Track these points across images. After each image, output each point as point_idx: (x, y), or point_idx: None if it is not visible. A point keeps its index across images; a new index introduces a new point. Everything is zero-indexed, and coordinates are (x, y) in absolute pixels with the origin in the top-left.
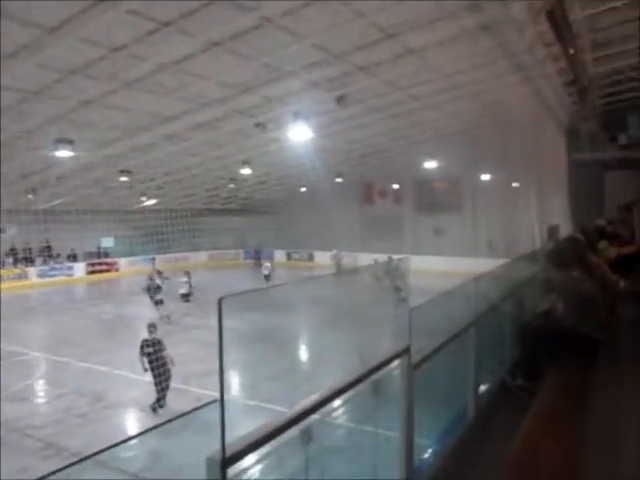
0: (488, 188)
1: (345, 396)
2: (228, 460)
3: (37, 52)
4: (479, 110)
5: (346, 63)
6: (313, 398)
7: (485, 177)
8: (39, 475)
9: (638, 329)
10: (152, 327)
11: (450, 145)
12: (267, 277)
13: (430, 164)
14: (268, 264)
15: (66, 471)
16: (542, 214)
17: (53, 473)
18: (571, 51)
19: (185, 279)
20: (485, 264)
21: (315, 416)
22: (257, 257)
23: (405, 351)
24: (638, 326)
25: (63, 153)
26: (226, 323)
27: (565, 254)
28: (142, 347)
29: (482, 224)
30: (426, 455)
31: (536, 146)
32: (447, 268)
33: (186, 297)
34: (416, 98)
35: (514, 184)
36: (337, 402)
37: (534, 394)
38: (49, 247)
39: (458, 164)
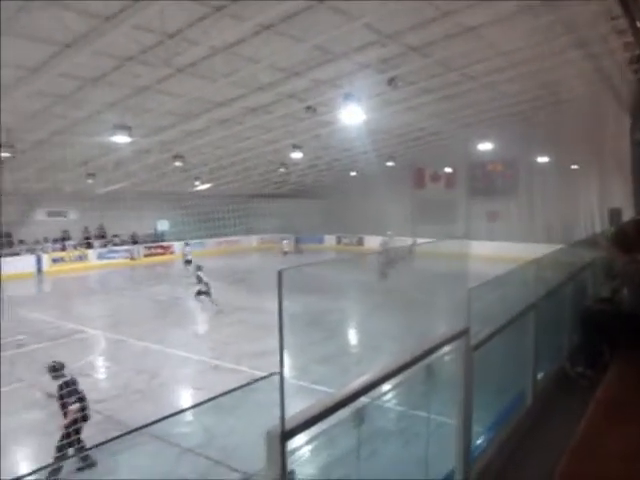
0: (545, 170)
1: (397, 380)
2: (287, 434)
3: (94, 40)
4: (537, 89)
5: (399, 43)
6: (369, 376)
7: (542, 159)
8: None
9: None
10: (54, 369)
11: (505, 126)
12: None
13: (484, 146)
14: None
15: (119, 441)
16: (603, 197)
17: (107, 442)
18: (639, 24)
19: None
20: (542, 249)
21: (366, 399)
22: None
23: (464, 332)
24: None
25: (120, 139)
26: (275, 306)
27: (630, 237)
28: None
29: (538, 208)
30: (479, 441)
31: (597, 126)
32: (501, 253)
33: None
34: (471, 78)
35: (573, 166)
36: (389, 386)
37: (595, 382)
38: (106, 231)
39: (513, 146)
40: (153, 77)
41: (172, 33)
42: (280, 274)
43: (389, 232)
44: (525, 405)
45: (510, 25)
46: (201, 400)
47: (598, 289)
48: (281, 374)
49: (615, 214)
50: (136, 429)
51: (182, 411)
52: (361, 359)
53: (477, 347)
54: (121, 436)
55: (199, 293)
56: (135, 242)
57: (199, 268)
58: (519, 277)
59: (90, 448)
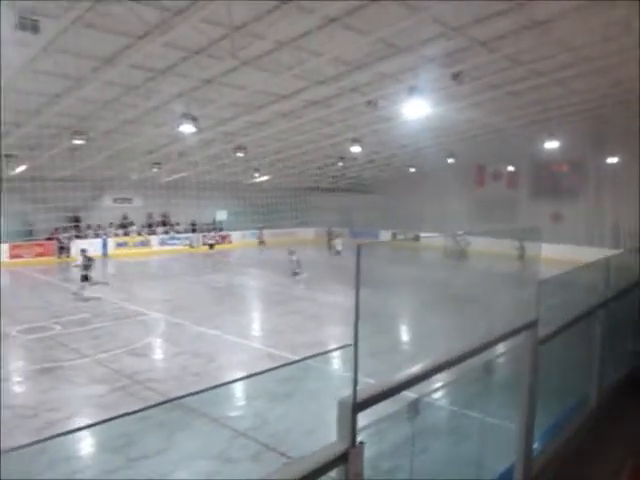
0: (614, 171)
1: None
2: (358, 405)
3: (165, 33)
4: (608, 87)
5: (465, 37)
6: (431, 362)
7: (611, 160)
8: (157, 423)
9: None
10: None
11: (572, 125)
12: (338, 252)
13: (551, 144)
14: (339, 240)
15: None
16: None
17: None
18: None
19: (294, 257)
20: (607, 254)
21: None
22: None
23: (533, 324)
24: None
25: (187, 129)
26: (332, 298)
27: None
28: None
29: (606, 210)
30: (537, 444)
31: None
32: (565, 257)
33: (296, 273)
34: (538, 74)
35: None
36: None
37: None
38: (169, 218)
39: (580, 146)
40: (219, 69)
41: (239, 26)
42: (359, 248)
43: (460, 232)
44: (589, 408)
45: (580, 19)
46: (255, 387)
47: None
48: (355, 345)
49: None
50: (170, 400)
51: (236, 381)
52: (415, 356)
53: (544, 341)
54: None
55: (294, 274)
56: (194, 230)
57: (292, 252)
58: (585, 277)
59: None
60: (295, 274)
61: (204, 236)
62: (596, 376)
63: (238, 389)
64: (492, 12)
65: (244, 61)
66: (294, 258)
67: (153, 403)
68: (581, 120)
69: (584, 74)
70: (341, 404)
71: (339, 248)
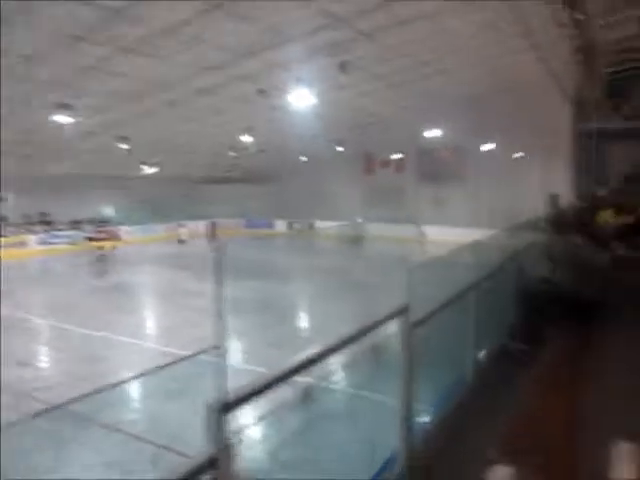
0: (491, 157)
1: (344, 360)
2: (227, 406)
3: (28, 14)
4: (485, 77)
5: (350, 28)
6: (310, 353)
7: (488, 146)
8: (44, 434)
9: (635, 293)
10: None
11: (454, 113)
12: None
13: (433, 132)
14: (185, 230)
15: (66, 430)
16: (544, 183)
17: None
18: (580, 17)
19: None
20: (486, 234)
21: (315, 380)
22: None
23: (404, 310)
24: (635, 290)
25: (62, 118)
26: (227, 291)
27: (566, 221)
28: None
29: (484, 194)
30: (426, 419)
31: (541, 114)
32: (449, 238)
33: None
34: (420, 64)
35: (518, 153)
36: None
37: (533, 357)
38: (48, 215)
39: (461, 133)
40: (97, 56)
41: (117, 10)
42: (219, 250)
43: (359, 219)
44: (466, 382)
45: (460, 12)
46: (150, 388)
47: (536, 270)
48: (221, 347)
49: (554, 199)
50: (54, 407)
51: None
52: (312, 341)
53: (417, 324)
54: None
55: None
56: (78, 227)
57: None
58: (461, 259)
59: None
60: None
61: (95, 232)
62: (471, 352)
63: (130, 390)
64: (376, 4)
65: (123, 47)
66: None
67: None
68: (461, 109)
69: (463, 65)
70: (209, 407)
71: (184, 238)
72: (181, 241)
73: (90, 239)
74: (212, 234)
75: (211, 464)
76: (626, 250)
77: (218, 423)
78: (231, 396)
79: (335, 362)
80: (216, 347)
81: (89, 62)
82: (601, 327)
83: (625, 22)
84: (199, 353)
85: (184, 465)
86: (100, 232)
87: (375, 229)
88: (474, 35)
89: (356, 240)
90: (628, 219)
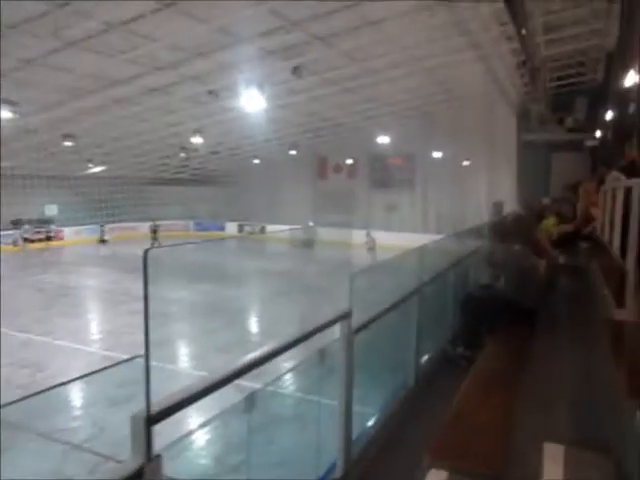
0: (440, 165)
1: (290, 364)
2: (153, 418)
3: None
4: (433, 86)
5: (303, 32)
6: (248, 358)
7: (437, 154)
8: None
9: (573, 300)
10: None
11: (405, 121)
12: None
13: (383, 139)
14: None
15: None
16: (490, 191)
17: None
18: (524, 32)
19: None
20: (433, 239)
21: (258, 385)
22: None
23: (346, 316)
24: (573, 297)
25: (3, 114)
26: (174, 294)
27: (508, 229)
28: None
29: (432, 201)
30: (370, 423)
31: (487, 125)
32: (398, 243)
33: None
34: (372, 72)
35: (465, 162)
36: (285, 372)
37: (474, 362)
38: None
39: (411, 140)
40: (40, 49)
41: (61, 3)
42: (146, 253)
43: (310, 223)
44: (408, 386)
45: (409, 21)
46: (92, 394)
47: (479, 276)
48: (146, 355)
49: (498, 207)
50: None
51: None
52: (262, 345)
53: (358, 330)
54: None
55: None
56: (18, 227)
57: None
58: (406, 264)
59: None
60: None
61: (32, 232)
62: (413, 357)
63: (70, 397)
64: (328, 9)
65: (69, 42)
66: None
67: None
68: (412, 117)
69: (412, 74)
70: (133, 419)
71: (106, 238)
72: (103, 241)
73: (25, 240)
74: (154, 236)
75: (137, 475)
76: (565, 258)
77: (144, 435)
78: (158, 405)
79: (283, 367)
80: (138, 356)
81: (31, 55)
82: (537, 333)
83: (568, 38)
84: (134, 358)
85: (108, 476)
86: (37, 232)
87: (326, 233)
88: (419, 45)
89: (307, 244)
90: (568, 227)
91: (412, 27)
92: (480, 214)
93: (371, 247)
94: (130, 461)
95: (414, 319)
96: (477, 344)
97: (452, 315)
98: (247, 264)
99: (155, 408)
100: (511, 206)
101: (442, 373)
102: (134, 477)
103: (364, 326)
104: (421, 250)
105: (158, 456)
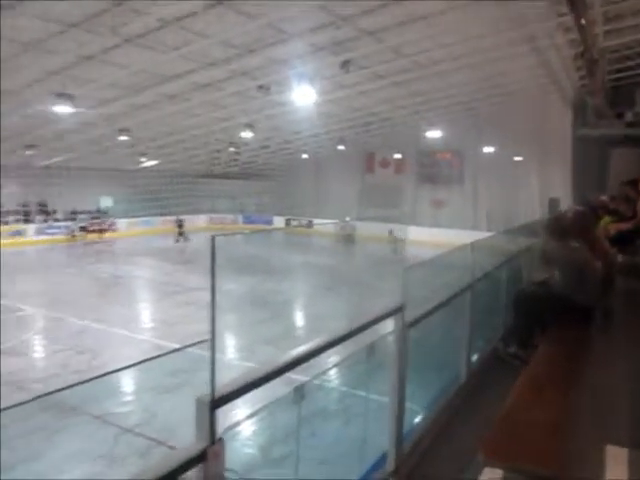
0: (490, 161)
1: (338, 359)
2: (217, 401)
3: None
4: (484, 81)
5: (353, 27)
6: (303, 349)
7: (488, 150)
8: (33, 424)
9: (632, 301)
10: None
11: (454, 116)
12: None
13: (433, 134)
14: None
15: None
16: (543, 187)
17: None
18: (583, 22)
19: None
20: (484, 237)
21: (306, 377)
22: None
23: (399, 309)
24: (632, 298)
25: (63, 109)
26: (224, 286)
27: (568, 225)
28: None
29: (483, 197)
30: (420, 418)
31: (541, 119)
32: (445, 240)
33: None
34: (421, 66)
35: (517, 157)
36: (332, 365)
37: (527, 362)
38: (47, 205)
39: (461, 136)
40: (99, 46)
41: (118, 2)
42: (213, 240)
43: (347, 218)
44: (458, 385)
45: (460, 16)
46: (146, 380)
47: (533, 274)
48: (212, 342)
49: (554, 203)
50: (44, 395)
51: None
52: (310, 339)
53: (412, 325)
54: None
55: None
56: (75, 218)
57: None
58: (457, 260)
59: None
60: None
61: (88, 223)
62: (465, 353)
63: (123, 383)
64: (377, 4)
65: (126, 38)
66: None
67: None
68: (461, 112)
69: (462, 68)
70: (198, 402)
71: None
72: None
73: (82, 229)
74: (180, 230)
75: (200, 458)
76: (623, 256)
77: (208, 418)
78: (221, 391)
79: (330, 361)
80: (204, 341)
81: (90, 52)
82: (596, 333)
83: (629, 29)
84: (189, 346)
85: (174, 456)
86: (92, 224)
87: (366, 228)
88: (467, 40)
89: (348, 239)
90: (626, 225)
91: (462, 21)
92: (532, 211)
93: (395, 247)
94: (195, 443)
95: (466, 316)
96: (530, 343)
97: (504, 313)
98: (292, 258)
99: (219, 392)
100: (566, 203)
101: (493, 371)
102: (198, 459)
103: (418, 321)
104: (473, 246)
105: (220, 439)
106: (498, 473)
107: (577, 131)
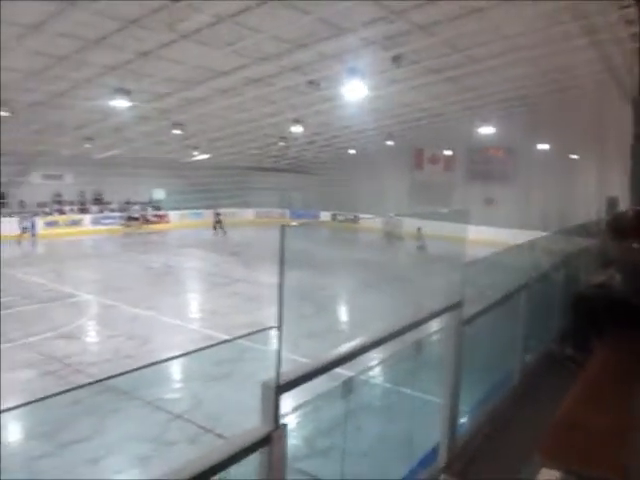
0: (544, 158)
1: (386, 355)
2: (282, 387)
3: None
4: (540, 76)
5: (405, 21)
6: (359, 342)
7: (542, 147)
8: (88, 407)
9: None
10: None
11: (507, 112)
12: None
13: (485, 130)
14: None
15: (111, 404)
16: (601, 186)
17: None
18: None
19: None
20: (537, 236)
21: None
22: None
23: (457, 306)
24: None
25: (120, 103)
26: (270, 279)
27: (627, 226)
28: None
29: (536, 195)
30: (464, 419)
31: (599, 116)
32: (497, 239)
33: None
34: (475, 60)
35: (573, 155)
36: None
37: (582, 365)
38: (102, 196)
39: (514, 132)
40: (155, 42)
41: None
42: (283, 229)
43: (391, 214)
44: (512, 384)
45: (516, 8)
46: (193, 368)
47: (591, 275)
48: (280, 327)
49: (612, 203)
50: (99, 380)
51: (156, 363)
52: (354, 335)
53: (468, 321)
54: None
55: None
56: (128, 210)
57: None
58: (513, 259)
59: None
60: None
61: (139, 213)
62: (519, 354)
63: (173, 371)
64: None
65: (182, 34)
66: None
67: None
68: (515, 108)
69: (517, 63)
70: (264, 386)
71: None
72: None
73: (135, 220)
74: (218, 225)
75: (265, 441)
76: None
77: (273, 403)
78: (285, 377)
79: (374, 357)
80: (272, 328)
81: (148, 48)
82: None
83: None
84: (255, 332)
85: (241, 438)
86: (145, 215)
87: (410, 225)
88: (523, 34)
89: (394, 235)
90: None
91: (518, 14)
92: (589, 210)
93: (421, 245)
94: (260, 427)
95: (522, 315)
96: (587, 347)
97: (559, 314)
98: (337, 253)
99: (284, 378)
100: (624, 202)
101: (548, 373)
102: (263, 442)
103: (474, 318)
104: (528, 246)
105: (285, 424)
106: (555, 475)
107: (637, 128)
